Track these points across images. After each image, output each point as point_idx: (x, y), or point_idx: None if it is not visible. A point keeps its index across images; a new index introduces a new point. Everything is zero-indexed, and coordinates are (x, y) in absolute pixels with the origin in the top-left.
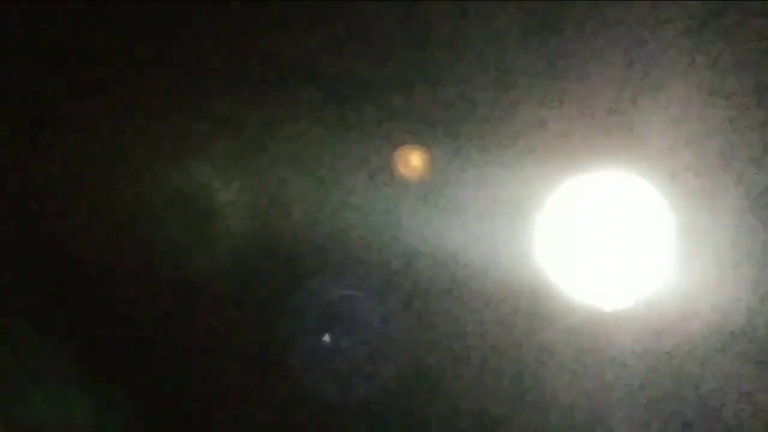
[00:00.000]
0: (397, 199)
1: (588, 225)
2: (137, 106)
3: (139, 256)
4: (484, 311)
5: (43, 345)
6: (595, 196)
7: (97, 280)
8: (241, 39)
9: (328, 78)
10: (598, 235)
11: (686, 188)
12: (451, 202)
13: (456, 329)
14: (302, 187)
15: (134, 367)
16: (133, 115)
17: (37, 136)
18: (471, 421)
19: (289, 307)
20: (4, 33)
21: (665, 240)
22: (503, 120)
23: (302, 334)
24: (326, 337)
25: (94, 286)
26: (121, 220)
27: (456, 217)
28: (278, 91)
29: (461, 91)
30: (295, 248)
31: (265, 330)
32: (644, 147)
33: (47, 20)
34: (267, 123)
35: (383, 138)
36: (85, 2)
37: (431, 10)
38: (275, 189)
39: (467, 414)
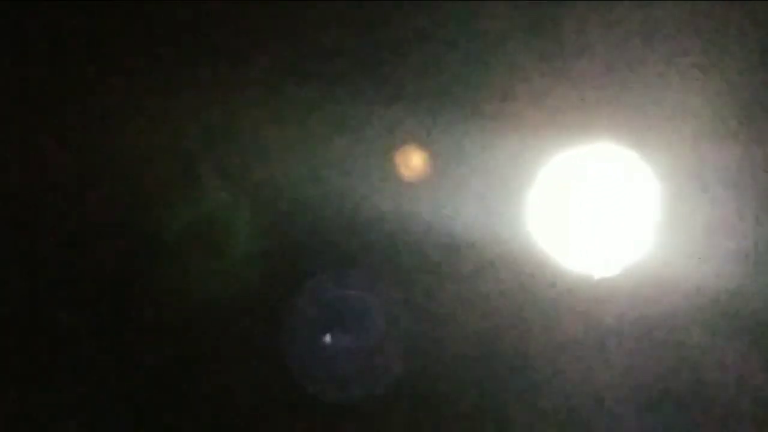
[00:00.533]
0: (397, 188)
1: (578, 196)
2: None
3: (137, 255)
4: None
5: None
6: (585, 168)
7: (95, 278)
8: (240, 37)
9: (327, 76)
10: (588, 205)
11: (675, 160)
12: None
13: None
14: (302, 186)
15: (132, 367)
16: (131, 113)
17: (35, 138)
18: (470, 418)
19: (289, 307)
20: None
21: (654, 210)
22: (496, 96)
23: (302, 334)
24: (326, 337)
25: (91, 284)
26: (119, 217)
27: (452, 194)
28: (278, 91)
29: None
30: (295, 248)
31: (265, 330)
32: (633, 121)
33: (45, 19)
34: (267, 123)
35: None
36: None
37: (430, 8)
38: (275, 188)
39: (467, 412)
